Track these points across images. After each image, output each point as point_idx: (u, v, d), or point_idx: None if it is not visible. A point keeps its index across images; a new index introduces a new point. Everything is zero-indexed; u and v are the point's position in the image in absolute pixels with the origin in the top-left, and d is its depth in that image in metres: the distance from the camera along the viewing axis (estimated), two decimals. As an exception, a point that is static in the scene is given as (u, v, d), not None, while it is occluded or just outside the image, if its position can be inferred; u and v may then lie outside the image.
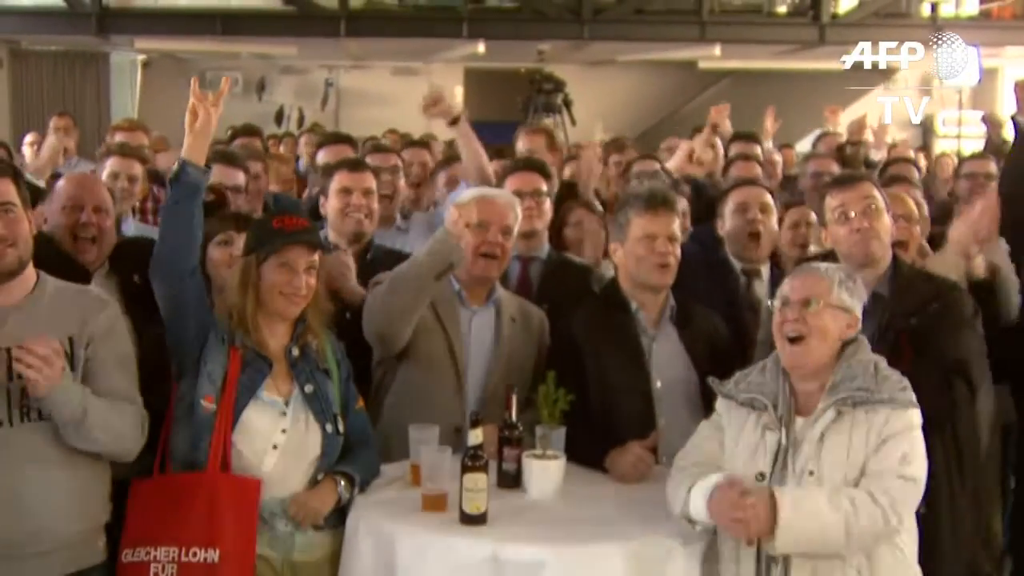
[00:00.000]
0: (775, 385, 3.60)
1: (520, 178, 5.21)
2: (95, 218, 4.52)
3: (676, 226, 4.46)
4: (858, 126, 8.69)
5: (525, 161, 5.58)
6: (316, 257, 3.92)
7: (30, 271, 3.62)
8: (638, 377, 4.32)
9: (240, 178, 5.57)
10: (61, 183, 4.72)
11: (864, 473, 3.40)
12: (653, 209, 4.42)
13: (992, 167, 6.84)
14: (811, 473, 3.42)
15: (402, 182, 5.86)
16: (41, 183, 5.11)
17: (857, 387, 3.46)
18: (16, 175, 3.67)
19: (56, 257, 4.23)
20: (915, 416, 3.47)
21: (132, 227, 5.54)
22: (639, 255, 4.39)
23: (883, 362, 3.56)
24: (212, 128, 3.81)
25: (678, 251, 4.44)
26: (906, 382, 3.50)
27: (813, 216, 5.32)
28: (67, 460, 3.54)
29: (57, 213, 4.54)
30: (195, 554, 3.63)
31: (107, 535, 3.76)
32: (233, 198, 5.42)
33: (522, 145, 6.60)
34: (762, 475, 3.48)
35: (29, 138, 10.03)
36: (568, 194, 6.07)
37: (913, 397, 3.48)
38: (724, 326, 4.57)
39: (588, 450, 4.08)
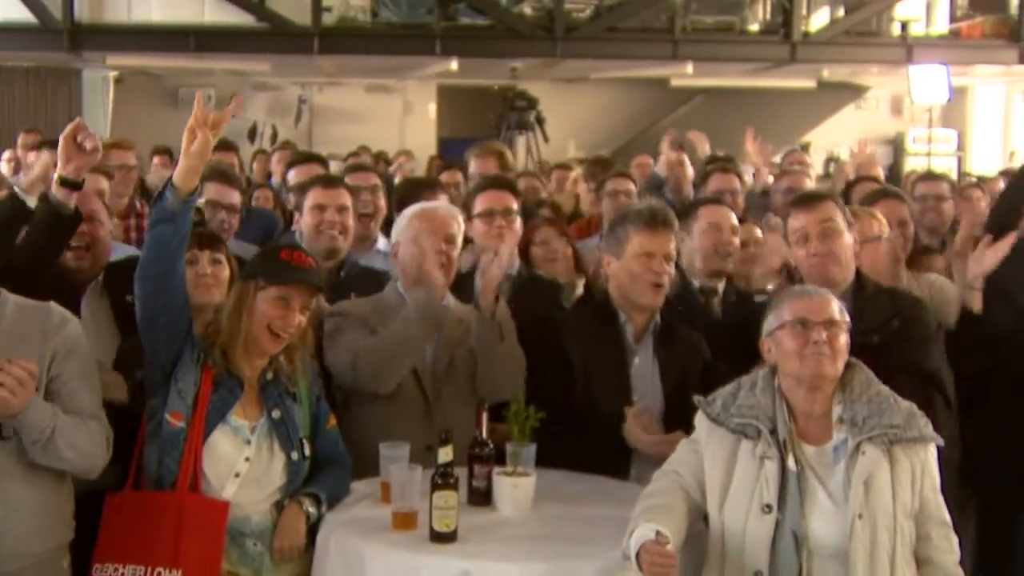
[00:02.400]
0: (771, 407, 3.56)
1: (490, 196, 5.20)
2: (87, 227, 4.53)
3: (673, 245, 4.49)
4: (868, 161, 8.61)
5: (495, 179, 5.58)
6: (314, 300, 3.92)
7: None
8: (619, 387, 4.36)
9: (236, 197, 5.56)
10: None
11: (920, 517, 3.47)
12: (653, 227, 4.44)
13: (944, 188, 6.81)
14: (860, 517, 3.38)
15: (382, 201, 5.82)
16: (32, 201, 5.09)
17: (890, 424, 3.45)
18: None
19: (46, 274, 4.26)
20: (934, 449, 3.52)
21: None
22: (635, 272, 4.41)
23: (883, 387, 3.57)
24: (209, 151, 3.71)
25: (672, 270, 4.48)
26: (924, 416, 3.53)
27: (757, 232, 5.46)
28: (30, 479, 3.53)
29: None
30: (160, 574, 3.63)
31: (71, 553, 3.76)
32: (228, 216, 5.41)
33: (474, 168, 6.63)
34: (768, 507, 3.44)
35: (6, 155, 10.05)
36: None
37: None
38: (707, 352, 4.57)
39: (569, 452, 4.12)
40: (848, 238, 4.41)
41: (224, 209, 5.40)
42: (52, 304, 3.72)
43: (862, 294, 4.37)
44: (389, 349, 4.23)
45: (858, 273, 4.44)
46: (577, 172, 7.77)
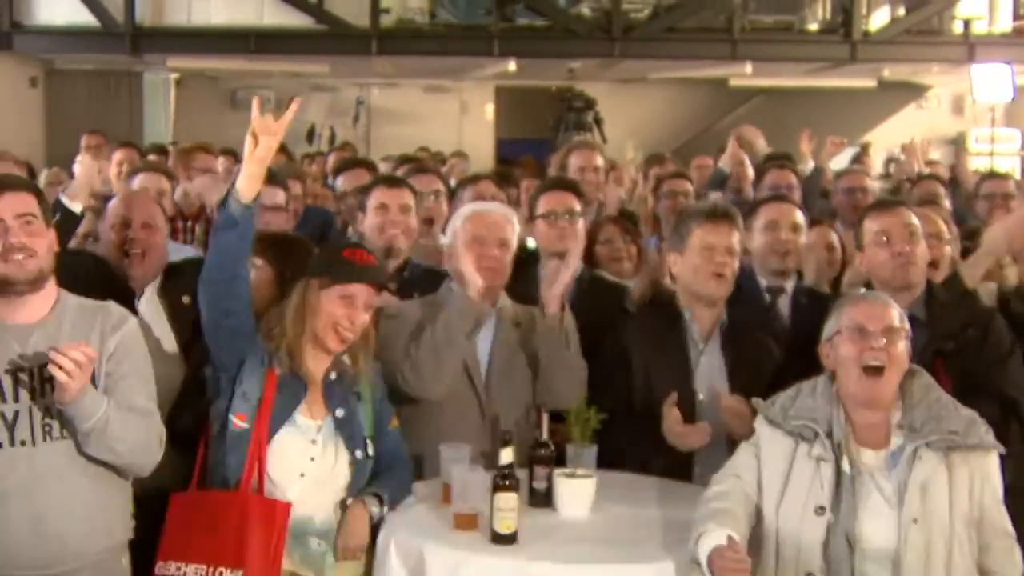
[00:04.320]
0: (828, 410, 3.53)
1: (553, 197, 5.18)
2: (143, 234, 4.58)
3: (735, 239, 4.47)
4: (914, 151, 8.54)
5: (557, 180, 5.56)
6: (377, 298, 3.92)
7: (51, 288, 3.63)
8: (683, 388, 4.31)
9: (280, 197, 5.58)
10: (112, 201, 4.81)
11: (980, 527, 3.41)
12: (713, 220, 4.44)
13: (1011, 186, 6.76)
14: (915, 521, 3.36)
15: (444, 206, 5.80)
16: (77, 208, 5.13)
17: (949, 430, 3.41)
18: (39, 193, 3.70)
19: (100, 277, 4.29)
20: (996, 458, 3.48)
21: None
22: (696, 265, 4.41)
23: (944, 394, 3.53)
24: (271, 157, 3.73)
25: (736, 264, 4.46)
26: (985, 424, 3.48)
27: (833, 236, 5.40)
28: (90, 478, 3.56)
29: (107, 231, 4.63)
30: (221, 574, 3.65)
31: (133, 552, 3.79)
32: (274, 217, 5.43)
33: (576, 161, 6.61)
34: (822, 508, 3.42)
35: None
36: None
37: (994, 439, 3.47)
38: (777, 353, 4.53)
39: (629, 453, 4.12)
40: (924, 244, 4.39)
41: (268, 210, 5.41)
42: (111, 303, 3.75)
43: (935, 299, 4.34)
44: (431, 353, 4.21)
45: (927, 279, 4.41)
46: (637, 174, 7.74)
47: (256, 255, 4.27)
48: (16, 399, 3.46)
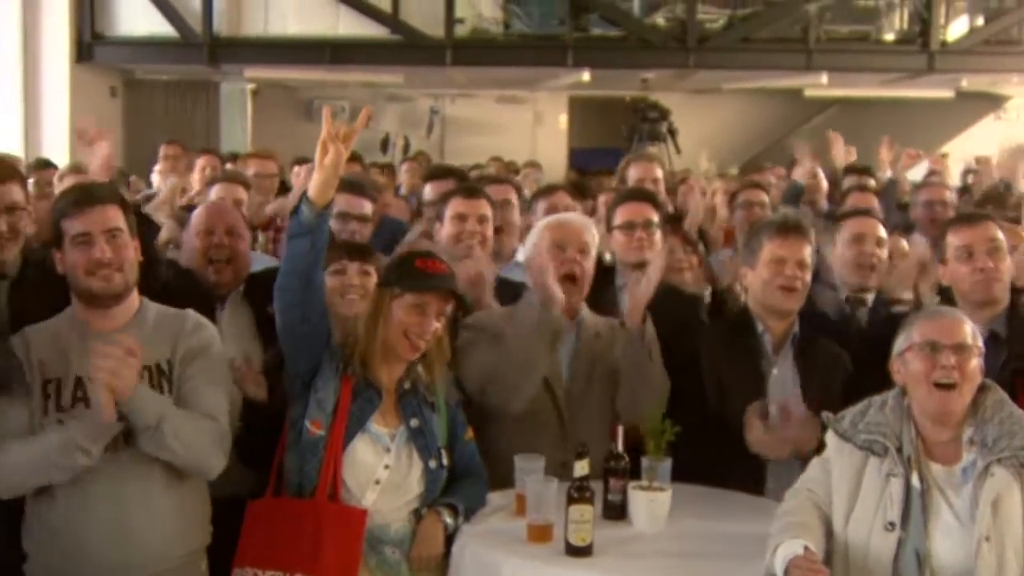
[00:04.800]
0: (898, 425, 3.49)
1: (631, 208, 5.17)
2: (227, 240, 4.65)
3: (807, 252, 4.45)
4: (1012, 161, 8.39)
5: (636, 191, 5.55)
6: (449, 306, 3.93)
7: (134, 296, 3.71)
8: (755, 399, 4.29)
9: (367, 207, 5.61)
10: (197, 211, 4.88)
11: None
12: (784, 233, 4.43)
13: None
14: (987, 539, 3.30)
15: (516, 216, 5.81)
16: (160, 217, 5.21)
17: (1020, 446, 3.36)
18: (124, 203, 3.76)
19: (182, 284, 4.34)
20: None
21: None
22: (766, 278, 4.41)
23: (1017, 409, 3.48)
24: (342, 165, 3.74)
25: (807, 277, 4.44)
26: None
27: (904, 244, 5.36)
28: (170, 484, 3.62)
29: (192, 239, 4.70)
30: None
31: (210, 557, 3.84)
32: (359, 227, 5.46)
33: (634, 173, 6.59)
34: (892, 524, 3.38)
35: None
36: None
37: None
38: (849, 367, 4.49)
39: (704, 466, 4.08)
40: (1008, 259, 4.34)
41: (355, 219, 5.44)
42: (190, 311, 3.82)
43: (1017, 315, 4.28)
44: (512, 369, 4.21)
45: (1013, 294, 4.36)
46: (716, 185, 7.69)
47: (348, 259, 4.33)
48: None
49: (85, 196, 3.70)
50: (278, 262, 5.30)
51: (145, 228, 4.28)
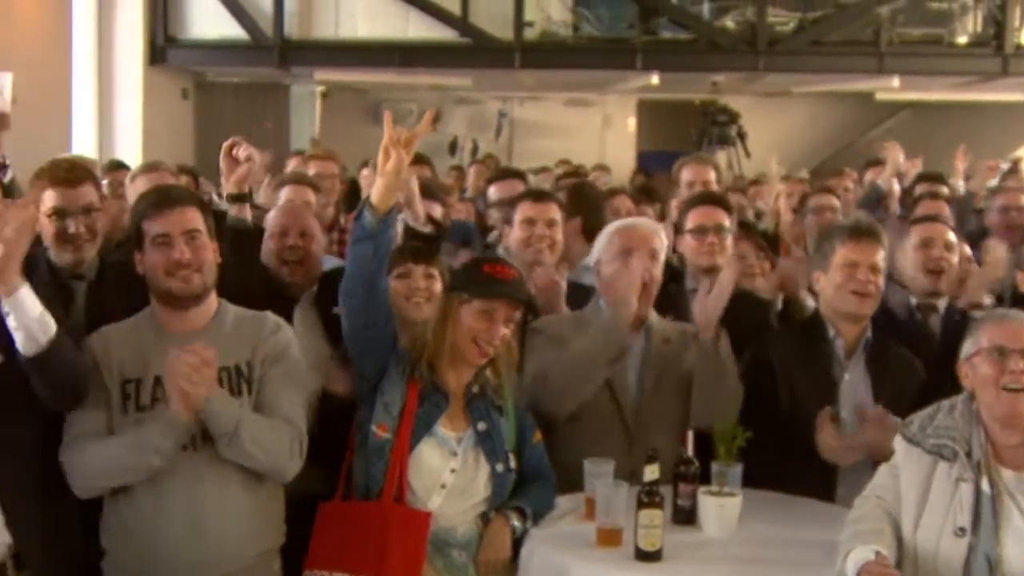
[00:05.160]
0: (967, 430, 3.45)
1: (702, 212, 5.15)
2: (301, 242, 4.67)
3: (880, 257, 4.41)
4: None
5: (708, 195, 5.53)
6: (518, 312, 3.93)
7: (212, 298, 3.74)
8: (828, 403, 4.26)
9: (438, 211, 5.62)
10: (272, 213, 4.91)
11: None
12: (856, 238, 4.40)
13: None
14: None
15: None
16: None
17: None
18: (203, 204, 3.80)
19: (262, 286, 4.38)
20: None
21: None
22: (839, 282, 4.37)
23: None
24: (404, 170, 3.75)
25: (880, 282, 4.41)
26: None
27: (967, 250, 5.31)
28: (246, 484, 3.65)
29: (267, 240, 4.71)
30: None
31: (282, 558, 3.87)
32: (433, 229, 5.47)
33: (688, 176, 6.56)
34: (962, 530, 3.34)
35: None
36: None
37: None
38: (922, 373, 4.45)
39: (775, 472, 4.06)
40: None
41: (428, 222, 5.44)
42: (268, 313, 3.86)
43: None
44: (570, 369, 4.21)
45: None
46: (781, 188, 7.65)
47: (413, 263, 4.34)
48: None
49: (165, 198, 3.76)
50: (342, 262, 5.36)
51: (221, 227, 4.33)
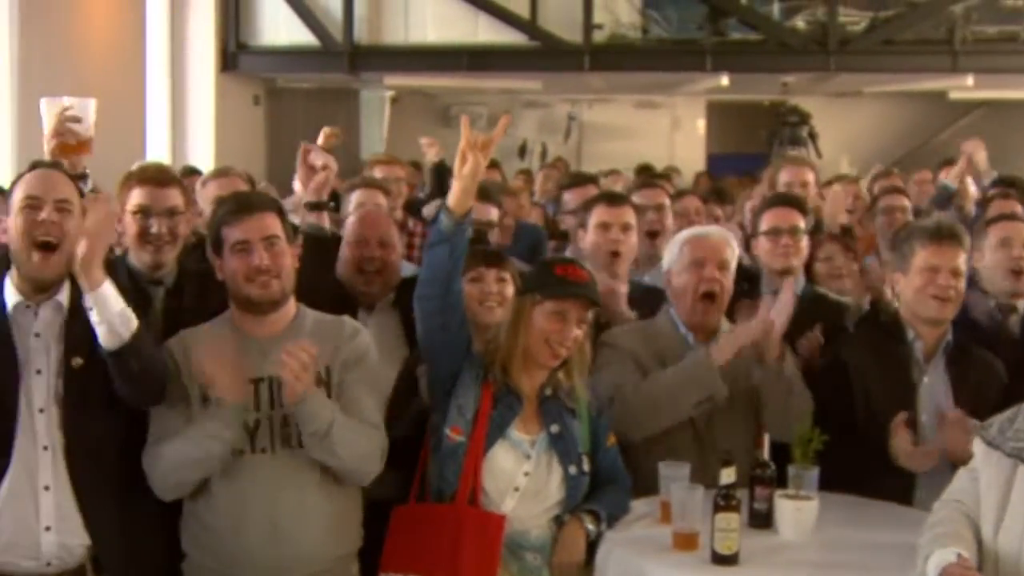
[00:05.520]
0: None
1: (777, 214, 5.12)
2: (379, 252, 4.69)
3: (961, 260, 4.36)
4: None
5: (781, 197, 5.49)
6: (590, 313, 3.92)
7: (291, 303, 3.77)
8: (905, 409, 4.22)
9: (494, 213, 5.63)
10: (350, 220, 4.94)
11: None
12: (938, 240, 4.34)
13: None
14: None
15: (669, 220, 5.79)
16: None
17: None
18: (281, 211, 3.84)
19: (334, 293, 4.40)
20: None
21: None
22: (918, 286, 4.32)
23: None
24: (481, 173, 3.76)
25: (961, 286, 4.35)
26: None
27: None
28: (325, 487, 3.68)
29: (344, 248, 4.73)
30: None
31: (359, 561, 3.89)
32: (487, 233, 5.49)
33: (784, 176, 6.53)
34: None
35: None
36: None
37: None
38: (1004, 375, 4.41)
39: (851, 475, 4.03)
40: None
41: (483, 226, 5.45)
42: (346, 318, 3.89)
43: None
44: (654, 403, 4.19)
45: None
46: (836, 189, 7.57)
47: (485, 266, 4.35)
48: (257, 408, 3.61)
49: (244, 205, 3.81)
50: (410, 265, 5.39)
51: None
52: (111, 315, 3.41)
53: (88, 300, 3.40)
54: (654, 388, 4.21)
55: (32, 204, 3.52)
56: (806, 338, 4.62)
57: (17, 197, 3.56)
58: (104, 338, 3.42)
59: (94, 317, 3.41)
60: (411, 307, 4.02)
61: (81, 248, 3.37)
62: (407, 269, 5.38)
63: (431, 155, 9.30)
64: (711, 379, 4.16)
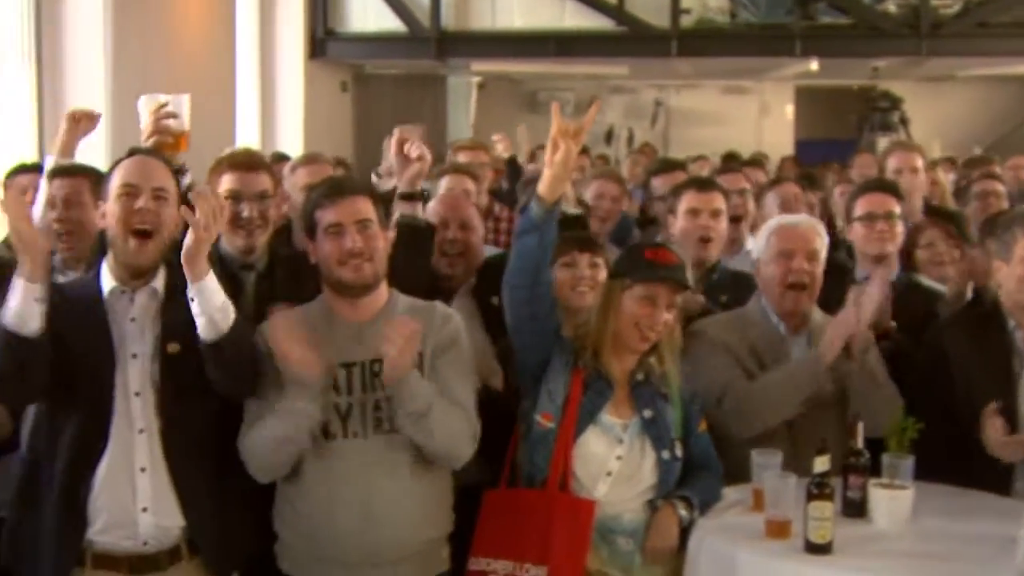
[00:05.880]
0: None
1: (872, 199, 5.06)
2: (460, 234, 4.72)
3: None
4: None
5: (877, 182, 5.43)
6: (679, 297, 3.91)
7: (383, 288, 3.78)
8: (1004, 398, 4.13)
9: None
10: (432, 204, 4.96)
11: None
12: None
13: None
14: None
15: (752, 204, 5.77)
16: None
17: None
18: (374, 195, 3.85)
19: (428, 283, 4.42)
20: None
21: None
22: (1020, 275, 4.22)
23: None
24: (572, 161, 3.73)
25: None
26: None
27: None
28: (417, 471, 3.69)
29: None
30: (528, 570, 3.72)
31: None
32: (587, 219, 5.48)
33: (893, 163, 6.46)
34: None
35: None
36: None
37: None
38: None
39: (947, 464, 3.98)
40: None
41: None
42: (438, 303, 3.89)
43: None
44: (760, 402, 4.17)
45: None
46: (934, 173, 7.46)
47: (578, 252, 4.34)
48: (349, 392, 3.63)
49: (337, 188, 3.82)
50: (497, 251, 5.38)
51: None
52: (212, 308, 3.44)
53: (191, 291, 3.44)
54: (766, 389, 4.19)
55: (129, 192, 3.57)
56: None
57: (115, 184, 3.61)
58: (203, 329, 3.45)
59: (195, 308, 3.44)
60: (490, 293, 4.01)
61: (188, 240, 3.41)
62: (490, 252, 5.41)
63: (501, 150, 9.30)
64: (822, 376, 4.15)
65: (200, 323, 3.45)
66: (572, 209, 5.04)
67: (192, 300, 3.44)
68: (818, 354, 4.16)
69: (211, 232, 3.43)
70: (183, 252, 3.42)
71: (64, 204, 4.53)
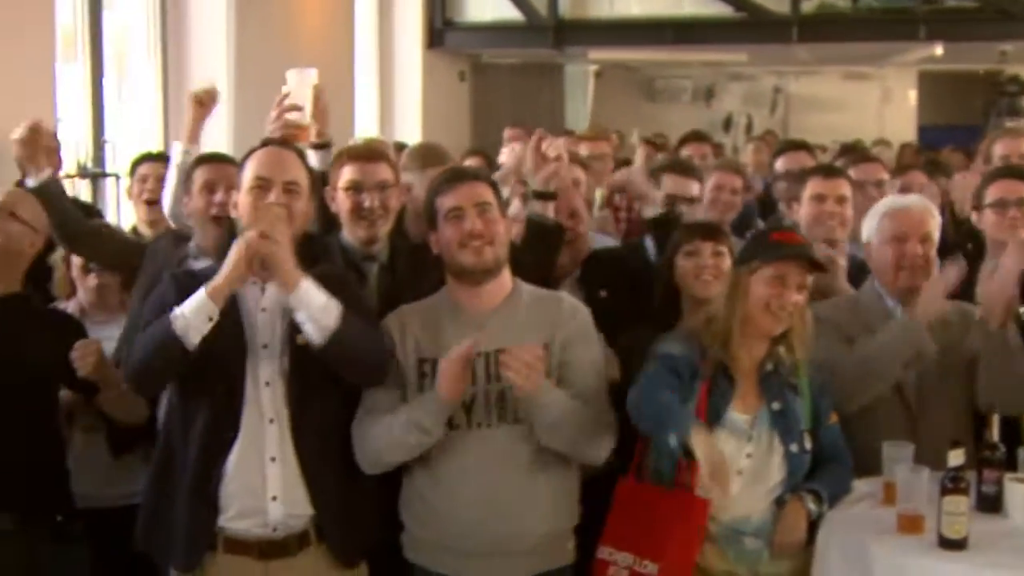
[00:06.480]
0: None
1: (1004, 185, 4.93)
2: (570, 223, 4.68)
3: None
4: None
5: (1010, 168, 5.31)
6: (810, 278, 3.84)
7: (507, 276, 3.77)
8: None
9: (695, 189, 5.55)
10: None
11: None
12: None
13: None
14: None
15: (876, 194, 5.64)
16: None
17: None
18: (493, 184, 3.85)
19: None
20: None
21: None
22: None
23: None
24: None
25: None
26: None
27: None
28: (543, 463, 3.67)
29: None
30: (645, 566, 3.69)
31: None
32: (689, 208, 5.41)
33: (1000, 149, 6.30)
34: None
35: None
36: None
37: None
38: None
39: None
40: None
41: (685, 201, 5.37)
42: (563, 294, 3.87)
43: None
44: (861, 370, 4.08)
45: None
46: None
47: (701, 240, 4.30)
48: (473, 382, 3.60)
49: (456, 174, 3.86)
50: (613, 241, 5.34)
51: None
52: (315, 311, 3.44)
53: (291, 302, 3.46)
54: (863, 354, 4.10)
55: (261, 185, 3.61)
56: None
57: (247, 176, 3.65)
58: (312, 335, 3.46)
59: (300, 317, 3.46)
60: (597, 285, 3.96)
61: (264, 254, 3.41)
62: (603, 241, 5.38)
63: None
64: (918, 336, 4.04)
65: (308, 330, 3.46)
66: (658, 208, 5.00)
67: (295, 311, 3.46)
68: (914, 321, 4.07)
69: (280, 240, 3.42)
70: (270, 272, 3.44)
71: (225, 189, 4.46)
